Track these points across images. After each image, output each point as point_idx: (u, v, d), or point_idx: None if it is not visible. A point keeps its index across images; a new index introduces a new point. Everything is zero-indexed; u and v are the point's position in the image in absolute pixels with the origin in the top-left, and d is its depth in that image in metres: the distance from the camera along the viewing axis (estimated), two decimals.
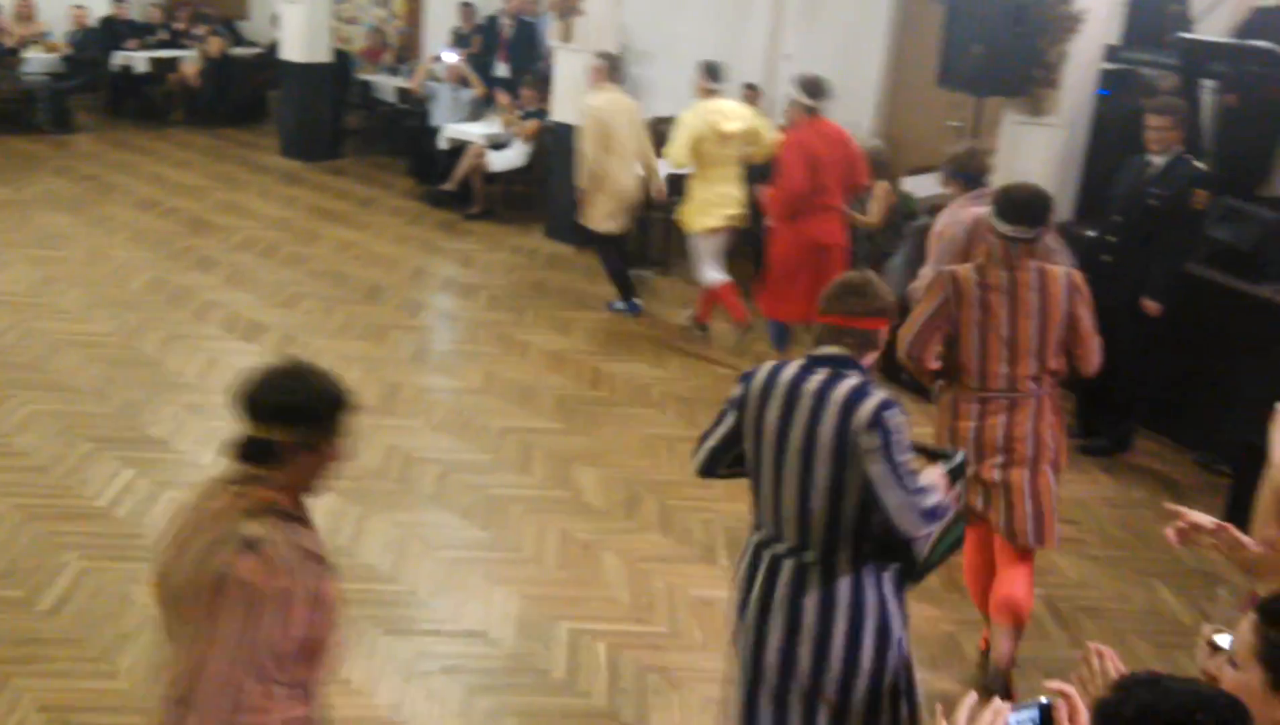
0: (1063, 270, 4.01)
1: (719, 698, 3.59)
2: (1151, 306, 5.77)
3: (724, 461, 3.16)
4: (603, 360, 7.05)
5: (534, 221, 9.84)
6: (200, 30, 13.21)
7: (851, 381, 2.90)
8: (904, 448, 2.87)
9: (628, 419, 6.26)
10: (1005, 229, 3.93)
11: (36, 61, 12.23)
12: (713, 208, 7.05)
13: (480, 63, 11.23)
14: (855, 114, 9.61)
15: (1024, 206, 3.93)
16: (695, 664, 4.21)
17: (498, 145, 10.10)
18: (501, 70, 11.28)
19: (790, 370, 3.00)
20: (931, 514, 2.90)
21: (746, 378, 3.09)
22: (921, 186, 8.49)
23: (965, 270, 4.01)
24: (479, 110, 10.89)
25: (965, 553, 4.19)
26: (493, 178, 10.06)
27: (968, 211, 4.88)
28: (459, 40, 11.84)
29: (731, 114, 7.04)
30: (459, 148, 10.18)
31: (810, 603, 2.96)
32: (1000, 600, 3.98)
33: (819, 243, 6.34)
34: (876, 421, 2.83)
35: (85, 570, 4.49)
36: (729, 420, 3.11)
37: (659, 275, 8.65)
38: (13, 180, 10.27)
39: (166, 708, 2.31)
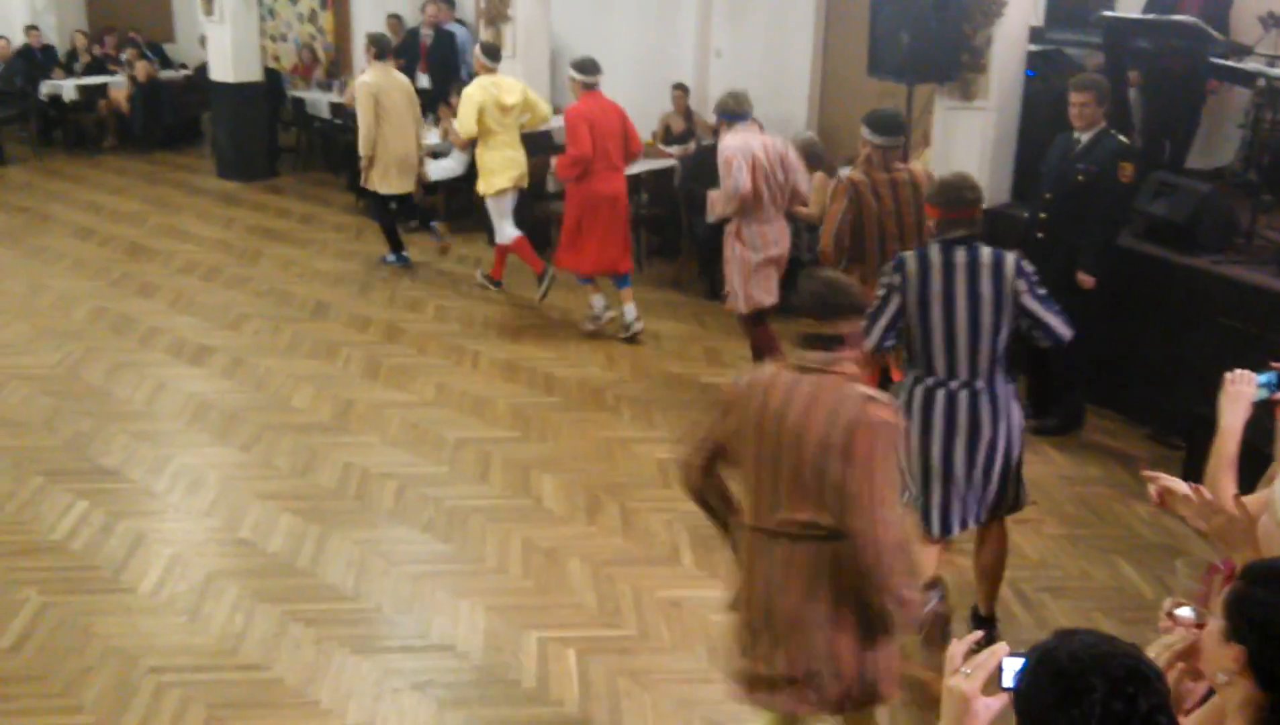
0: (918, 166, 5.48)
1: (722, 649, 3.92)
2: (1086, 280, 5.87)
3: (890, 336, 4.09)
4: (554, 366, 7.08)
5: (475, 230, 9.84)
6: (127, 55, 13.04)
7: (988, 249, 4.02)
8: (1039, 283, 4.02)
9: (583, 423, 6.29)
10: (879, 140, 5.32)
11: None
12: (500, 170, 7.94)
13: (405, 75, 11.18)
14: (789, 107, 9.73)
15: (891, 121, 5.41)
16: (666, 665, 4.24)
17: (436, 155, 10.07)
18: (423, 81, 11.20)
19: (935, 253, 4.03)
20: (1069, 320, 4.07)
21: (899, 266, 4.06)
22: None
23: (858, 175, 5.35)
24: None
25: None
26: (432, 188, 10.04)
27: (739, 138, 6.23)
28: (396, 53, 11.80)
29: (509, 88, 7.95)
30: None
31: (986, 416, 4.04)
32: None
33: (606, 197, 7.27)
34: (1019, 270, 4.00)
35: (45, 605, 4.45)
36: (894, 303, 4.06)
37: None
38: None
39: (767, 536, 3.02)
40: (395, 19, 12.16)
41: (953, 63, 6.89)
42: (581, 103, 7.20)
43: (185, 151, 12.91)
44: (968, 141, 7.04)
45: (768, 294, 6.40)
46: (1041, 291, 4.01)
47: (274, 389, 6.62)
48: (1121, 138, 5.92)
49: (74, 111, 12.77)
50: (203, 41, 12.12)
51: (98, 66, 13.16)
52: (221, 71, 11.25)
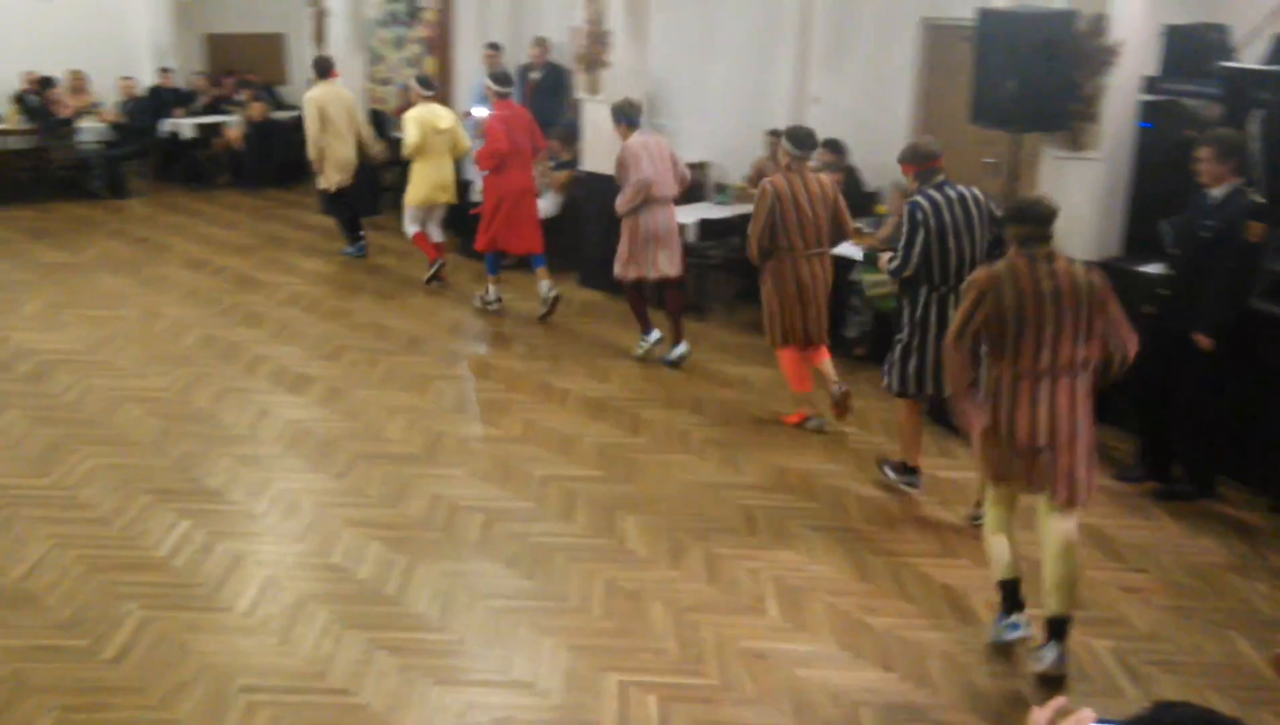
0: (827, 177, 6.79)
1: None
2: (1203, 341, 5.69)
3: (917, 263, 5.50)
4: (641, 407, 7.14)
5: (567, 270, 9.99)
6: (243, 96, 13.58)
7: (970, 190, 5.59)
8: None
9: (668, 466, 6.32)
10: (795, 152, 6.57)
11: (90, 131, 12.66)
12: (429, 185, 9.42)
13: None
14: (886, 154, 9.70)
15: (807, 138, 6.66)
16: (749, 718, 4.17)
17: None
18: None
19: (937, 196, 5.52)
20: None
21: (915, 207, 5.50)
22: None
23: (778, 179, 6.52)
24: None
25: (793, 360, 6.84)
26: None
27: (637, 139, 7.67)
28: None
29: (442, 115, 9.47)
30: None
31: None
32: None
33: (517, 188, 8.63)
34: (985, 196, 5.67)
35: (146, 619, 4.61)
36: (921, 236, 5.48)
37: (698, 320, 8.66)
38: (71, 244, 10.60)
39: (1042, 376, 4.30)
40: (493, 49, 12.45)
41: (1061, 112, 6.77)
42: (500, 109, 8.61)
43: (293, 189, 13.37)
44: (1076, 192, 6.90)
45: (651, 268, 7.79)
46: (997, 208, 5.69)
47: (368, 419, 6.79)
48: (1256, 196, 5.69)
49: (192, 148, 13.33)
50: (310, 85, 12.53)
51: (215, 106, 13.74)
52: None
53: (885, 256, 5.90)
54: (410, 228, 9.71)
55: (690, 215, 9.06)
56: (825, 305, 6.80)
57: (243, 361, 7.66)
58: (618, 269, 7.85)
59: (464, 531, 5.49)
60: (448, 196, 9.59)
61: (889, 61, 9.67)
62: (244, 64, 14.27)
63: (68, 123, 12.37)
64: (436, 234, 9.73)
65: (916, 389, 5.80)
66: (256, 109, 13.12)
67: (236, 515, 5.56)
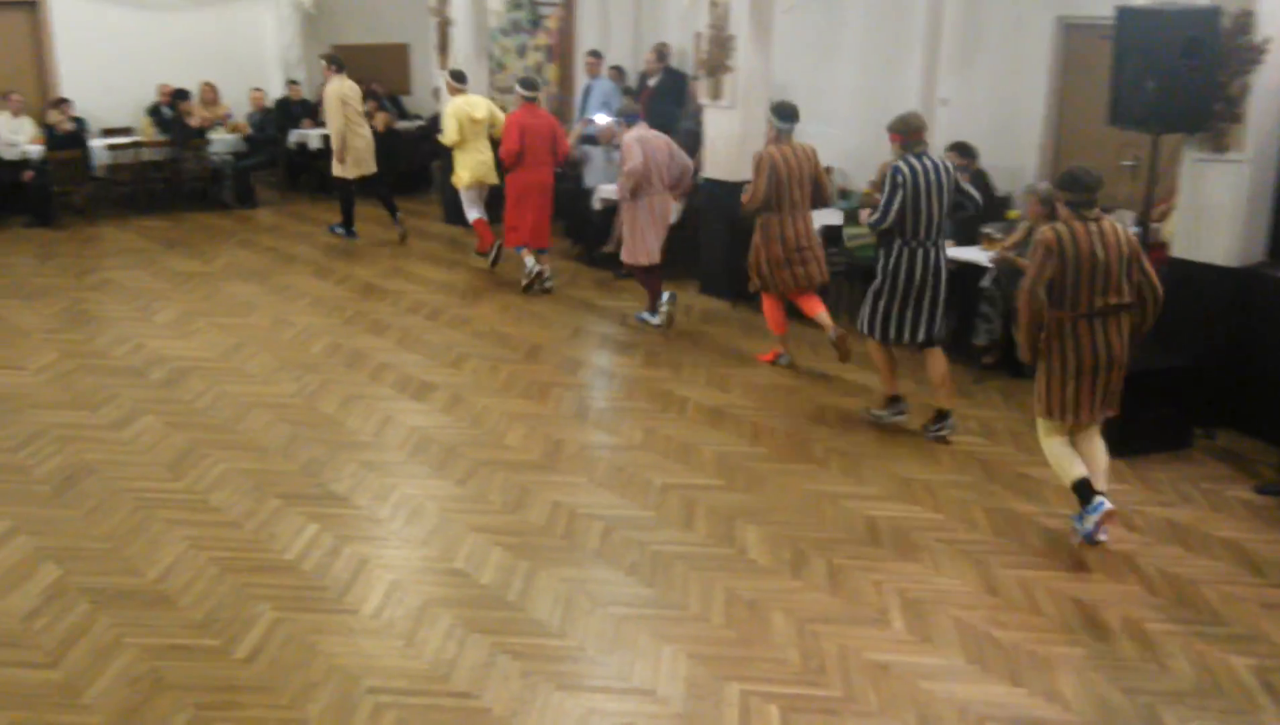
0: (809, 146, 7.69)
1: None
2: None
3: (894, 219, 6.41)
4: (761, 415, 7.06)
5: (688, 278, 9.96)
6: (368, 106, 13.88)
7: (940, 160, 6.49)
8: None
9: (789, 475, 6.23)
10: (784, 126, 7.55)
11: (221, 142, 13.11)
12: (473, 169, 10.23)
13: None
14: (1019, 156, 9.46)
15: (791, 110, 7.56)
16: None
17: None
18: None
19: (915, 163, 6.37)
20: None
21: (896, 170, 6.37)
22: None
23: (772, 149, 7.51)
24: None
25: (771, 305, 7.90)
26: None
27: (635, 133, 8.54)
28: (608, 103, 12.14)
29: (478, 105, 10.28)
30: (613, 208, 10.38)
31: (942, 261, 6.57)
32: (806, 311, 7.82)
33: (534, 184, 9.43)
34: (952, 167, 6.54)
35: (277, 620, 4.71)
36: (899, 196, 6.37)
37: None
38: (202, 253, 10.98)
39: (1096, 317, 5.26)
40: (616, 70, 12.54)
41: (1204, 112, 6.50)
42: (519, 112, 9.43)
43: (416, 198, 13.62)
44: (1219, 194, 6.64)
45: (647, 251, 8.65)
46: (964, 180, 6.71)
47: (489, 426, 6.84)
48: None
49: (318, 158, 13.67)
50: (436, 94, 12.78)
51: None
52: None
53: (865, 212, 6.88)
54: (471, 212, 10.39)
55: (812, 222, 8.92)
56: (818, 259, 7.77)
57: (367, 369, 7.80)
58: (628, 256, 8.78)
59: (584, 539, 5.48)
60: (492, 178, 10.28)
61: (1022, 62, 9.41)
62: (369, 74, 14.56)
63: (200, 134, 12.81)
64: (472, 213, 10.55)
65: (883, 331, 6.71)
66: (380, 119, 13.39)
67: (362, 519, 5.64)
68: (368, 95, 14.15)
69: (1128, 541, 5.52)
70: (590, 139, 11.01)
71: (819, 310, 7.73)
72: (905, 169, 6.37)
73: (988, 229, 7.87)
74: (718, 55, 9.21)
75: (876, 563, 5.27)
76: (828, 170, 10.55)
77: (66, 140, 11.81)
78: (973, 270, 7.80)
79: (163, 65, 13.20)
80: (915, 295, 6.55)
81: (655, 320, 8.77)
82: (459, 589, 5.01)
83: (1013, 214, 8.31)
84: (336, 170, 10.96)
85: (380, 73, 14.66)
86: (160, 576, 5.04)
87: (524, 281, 9.65)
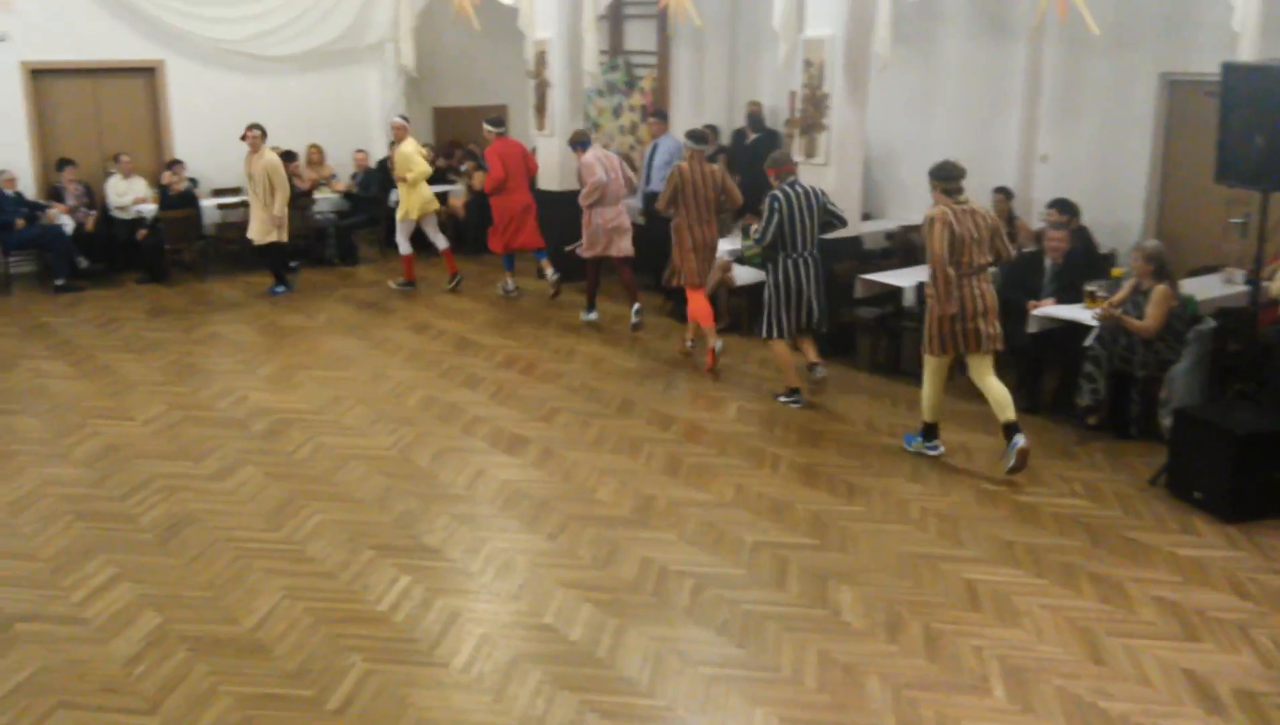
0: (715, 166, 9.19)
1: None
2: None
3: (773, 236, 7.84)
4: (857, 474, 6.94)
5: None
6: (465, 166, 14.18)
7: (810, 187, 7.95)
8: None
9: (885, 535, 6.10)
10: (696, 147, 8.99)
11: (325, 201, 13.49)
12: (422, 205, 11.67)
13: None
14: (1123, 214, 9.27)
15: (701, 135, 9.07)
16: None
17: (743, 260, 10.27)
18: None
19: (790, 191, 7.81)
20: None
21: (774, 197, 7.81)
22: (1204, 287, 8.03)
23: (684, 166, 8.99)
24: (727, 225, 11.12)
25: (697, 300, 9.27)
26: (737, 291, 10.22)
27: (591, 154, 10.19)
28: None
29: (422, 149, 11.95)
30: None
31: (816, 267, 7.99)
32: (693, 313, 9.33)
33: (520, 206, 11.17)
34: (822, 192, 8.05)
35: (368, 672, 4.73)
36: (776, 218, 7.78)
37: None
38: (305, 308, 11.26)
39: (973, 272, 6.77)
40: (710, 128, 12.61)
41: None
42: (496, 144, 11.01)
43: (516, 252, 13.78)
44: None
45: (606, 248, 10.17)
46: (830, 200, 8.08)
47: (580, 481, 6.84)
48: None
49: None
50: (534, 153, 12.99)
51: (440, 176, 14.38)
52: (549, 180, 12.06)
53: (753, 228, 8.52)
54: (405, 246, 11.83)
55: (906, 278, 8.84)
56: (713, 257, 9.37)
57: (461, 422, 7.88)
58: (583, 252, 10.28)
59: (674, 596, 5.42)
60: (435, 206, 11.95)
61: (1125, 119, 9.26)
62: (469, 135, 14.92)
63: (307, 194, 13.20)
64: (442, 241, 12.01)
65: (779, 330, 8.12)
66: (478, 179, 13.64)
67: (454, 572, 5.67)
68: (465, 155, 14.50)
69: (1240, 610, 5.28)
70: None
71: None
72: (781, 196, 7.85)
73: (1091, 286, 7.70)
74: (812, 113, 9.22)
75: (976, 628, 5.12)
76: (913, 227, 10.55)
77: (179, 200, 12.27)
78: (1076, 329, 7.63)
79: (272, 128, 13.65)
80: (798, 294, 8.03)
81: (592, 316, 10.58)
82: (548, 645, 4.98)
83: (1117, 271, 8.12)
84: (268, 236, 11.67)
85: (479, 133, 14.96)
86: (256, 625, 5.11)
87: (552, 291, 11.32)
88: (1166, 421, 6.94)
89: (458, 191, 13.93)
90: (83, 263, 11.92)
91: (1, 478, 6.85)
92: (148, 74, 13.39)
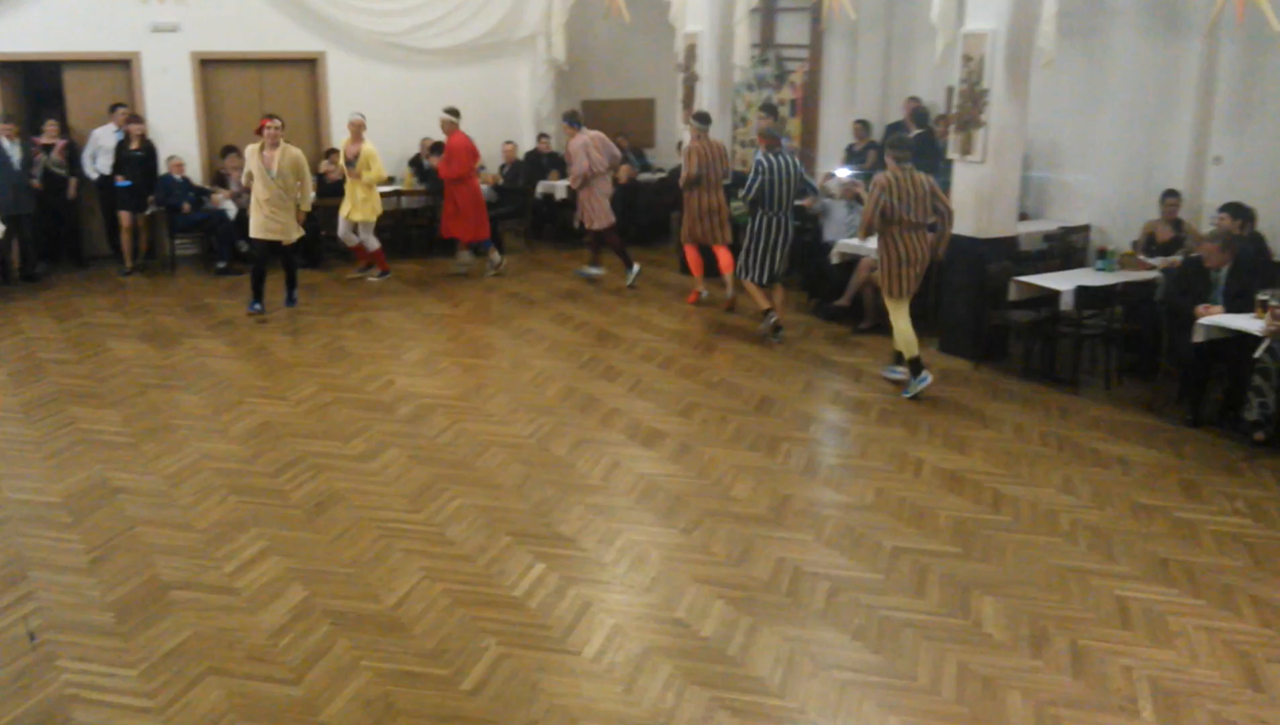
0: (719, 141, 11.03)
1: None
2: None
3: (755, 194, 9.44)
4: (1005, 482, 6.72)
5: (927, 336, 9.67)
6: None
7: (790, 158, 9.57)
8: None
9: (1032, 547, 5.88)
10: (703, 127, 10.65)
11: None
12: (377, 206, 11.78)
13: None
14: None
15: (705, 116, 10.83)
16: None
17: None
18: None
19: (773, 159, 9.41)
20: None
21: (759, 164, 9.42)
22: None
23: (698, 144, 10.57)
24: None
25: (691, 252, 11.18)
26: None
27: (583, 138, 11.47)
28: (852, 157, 12.01)
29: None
30: (851, 263, 10.24)
31: (789, 228, 9.66)
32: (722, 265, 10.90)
33: (479, 193, 12.06)
34: (800, 163, 9.80)
35: (502, 656, 4.78)
36: (760, 179, 9.38)
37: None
38: (451, 296, 11.50)
39: (912, 229, 8.16)
40: (860, 123, 12.43)
41: None
42: (455, 136, 11.75)
43: (655, 248, 13.86)
44: None
45: (607, 217, 11.66)
46: (805, 171, 9.88)
47: (716, 477, 6.80)
48: None
49: (562, 209, 14.14)
50: (679, 147, 12.99)
51: None
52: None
53: (740, 191, 9.79)
54: (372, 241, 11.97)
55: (1066, 282, 8.52)
56: (724, 222, 10.83)
57: (599, 414, 7.92)
58: (597, 225, 11.66)
59: (809, 598, 5.33)
60: (380, 210, 12.04)
61: None
62: (616, 128, 15.02)
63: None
64: (374, 242, 12.08)
65: (754, 275, 9.69)
66: (623, 171, 13.72)
67: (588, 562, 5.69)
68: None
69: None
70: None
71: (727, 270, 10.74)
72: (764, 162, 9.43)
73: (1264, 296, 7.27)
74: (970, 110, 8.94)
75: (1126, 646, 4.89)
76: (1081, 228, 10.21)
77: (335, 188, 12.66)
78: (1246, 340, 7.22)
79: (425, 119, 14.01)
80: (770, 245, 9.56)
81: (598, 271, 12.02)
82: (680, 639, 4.95)
83: None
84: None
85: (626, 126, 15.06)
86: (396, 603, 5.23)
87: (493, 272, 12.27)
88: None
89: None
90: (243, 246, 12.41)
91: (164, 451, 7.18)
92: (309, 65, 13.87)
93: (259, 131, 10.32)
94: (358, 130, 11.57)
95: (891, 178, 8.03)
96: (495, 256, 12.38)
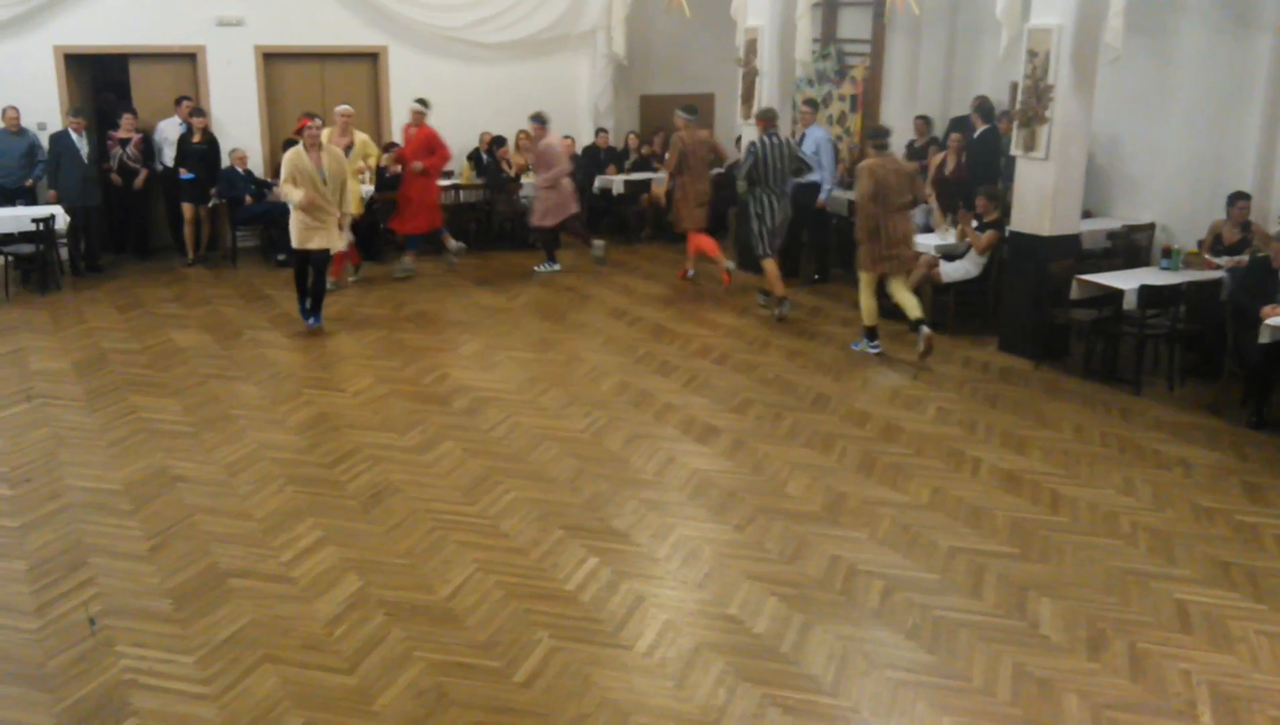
0: (705, 132, 11.80)
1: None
2: None
3: (750, 173, 10.20)
4: (1063, 483, 6.62)
5: (986, 334, 9.56)
6: (669, 154, 14.23)
7: (785, 139, 10.35)
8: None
9: (1091, 549, 5.79)
10: (689, 118, 11.24)
11: (531, 187, 13.75)
12: (358, 200, 11.56)
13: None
14: None
15: (694, 108, 11.42)
16: None
17: (950, 256, 9.95)
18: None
19: (768, 140, 10.11)
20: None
21: (753, 144, 10.29)
22: None
23: (684, 135, 11.15)
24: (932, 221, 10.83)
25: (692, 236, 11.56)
26: (943, 288, 9.91)
27: (550, 139, 11.90)
28: (913, 154, 11.88)
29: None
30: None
31: (785, 206, 10.42)
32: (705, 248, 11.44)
33: (432, 187, 11.97)
34: (790, 141, 10.55)
35: (554, 649, 4.81)
36: (753, 159, 10.13)
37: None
38: (507, 290, 11.56)
39: (893, 210, 8.96)
40: (922, 119, 12.29)
41: None
42: (423, 128, 11.78)
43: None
44: None
45: (569, 208, 12.02)
46: (800, 150, 10.56)
47: (770, 474, 6.77)
48: None
49: (620, 204, 14.14)
50: (738, 142, 12.95)
51: (644, 164, 14.52)
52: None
53: (738, 172, 10.47)
54: (349, 236, 11.63)
55: (1129, 280, 8.37)
56: (706, 206, 11.41)
57: (653, 409, 7.92)
58: (544, 221, 12.05)
59: (863, 597, 5.29)
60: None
61: None
62: (674, 124, 14.98)
63: (515, 180, 13.53)
64: (350, 237, 11.64)
65: (770, 249, 10.25)
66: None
67: (641, 557, 5.69)
68: (667, 142, 14.54)
69: None
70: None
71: (715, 249, 11.35)
72: (758, 143, 10.14)
73: None
74: (1034, 106, 8.81)
75: (1185, 650, 4.81)
76: (1146, 227, 10.03)
77: (394, 182, 12.77)
78: None
79: (484, 113, 14.08)
80: (771, 222, 10.22)
81: (556, 267, 12.28)
82: (732, 635, 4.94)
83: None
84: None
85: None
86: (450, 595, 5.27)
87: (455, 260, 12.52)
88: None
89: (660, 179, 13.98)
90: (280, 257, 12.50)
91: (223, 440, 7.29)
92: (371, 59, 14.00)
93: (298, 133, 9.90)
94: (349, 120, 11.36)
95: (877, 163, 8.81)
96: (452, 243, 12.47)
